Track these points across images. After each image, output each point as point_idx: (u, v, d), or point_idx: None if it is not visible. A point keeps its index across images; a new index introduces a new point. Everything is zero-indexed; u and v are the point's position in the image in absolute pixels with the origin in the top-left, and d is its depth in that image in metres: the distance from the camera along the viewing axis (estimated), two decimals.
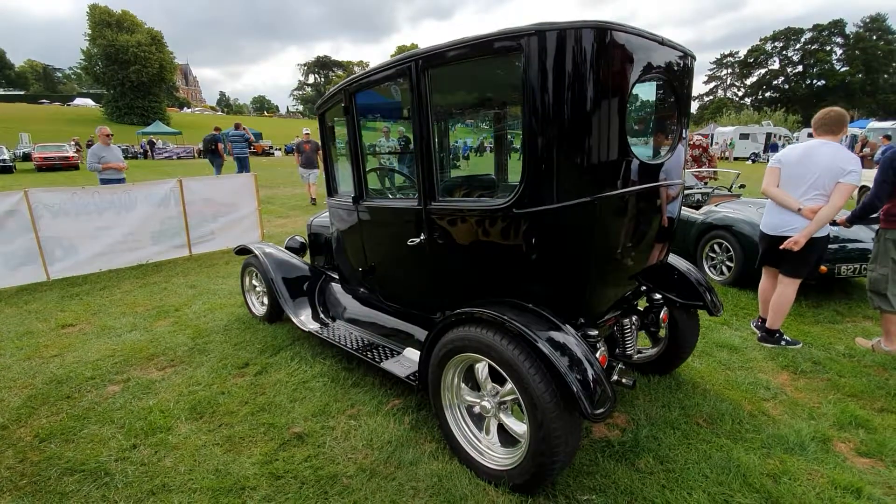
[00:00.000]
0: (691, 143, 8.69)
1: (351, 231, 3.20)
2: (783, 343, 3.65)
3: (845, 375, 3.20)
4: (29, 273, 5.35)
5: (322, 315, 3.74)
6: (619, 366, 2.68)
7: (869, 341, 3.63)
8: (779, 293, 3.61)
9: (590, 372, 1.91)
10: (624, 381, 2.65)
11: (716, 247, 5.33)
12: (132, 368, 3.41)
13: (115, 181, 7.29)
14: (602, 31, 1.83)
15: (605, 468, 2.29)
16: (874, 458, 2.40)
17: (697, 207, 5.97)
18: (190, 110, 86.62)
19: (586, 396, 1.82)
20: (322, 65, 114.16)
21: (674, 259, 3.07)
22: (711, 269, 5.39)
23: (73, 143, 28.41)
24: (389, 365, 2.82)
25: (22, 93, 74.60)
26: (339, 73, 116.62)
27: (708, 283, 3.00)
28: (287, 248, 4.37)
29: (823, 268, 4.34)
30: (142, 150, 33.82)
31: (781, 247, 3.42)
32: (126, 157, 31.77)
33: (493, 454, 2.26)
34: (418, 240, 2.50)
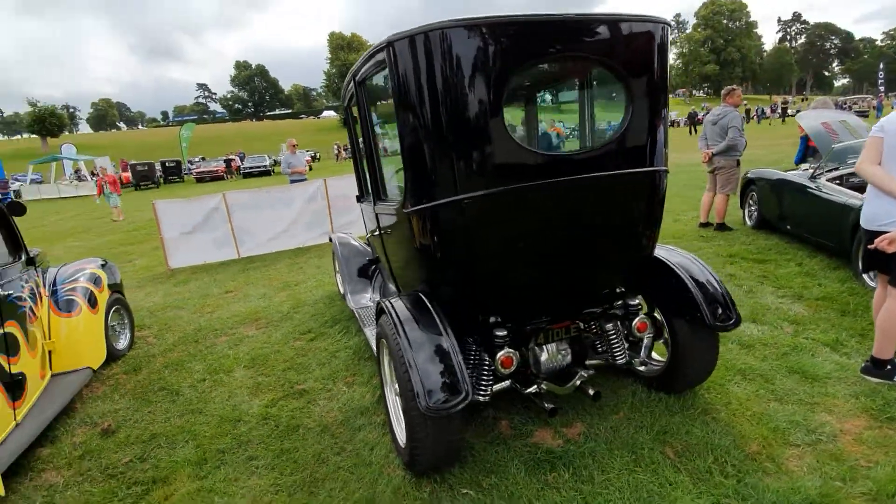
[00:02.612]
0: None
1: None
2: None
3: None
4: (227, 252, 7.41)
5: (373, 296, 4.31)
6: (581, 373, 2.52)
7: None
8: (886, 309, 2.64)
9: (444, 370, 1.95)
10: (590, 391, 2.48)
11: None
12: (242, 326, 4.59)
13: (300, 181, 9.29)
14: (434, 32, 1.82)
15: (510, 471, 2.23)
16: None
17: (862, 189, 4.45)
18: None
19: (424, 392, 1.89)
20: None
21: (678, 258, 2.61)
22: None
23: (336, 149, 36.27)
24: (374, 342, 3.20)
25: (289, 111, 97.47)
26: None
27: (723, 291, 2.46)
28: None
29: None
30: None
31: (870, 246, 2.50)
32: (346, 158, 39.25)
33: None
34: (373, 234, 2.80)
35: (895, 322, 2.60)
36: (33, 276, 3.26)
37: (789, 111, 35.66)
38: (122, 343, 4.16)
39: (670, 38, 2.21)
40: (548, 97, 3.21)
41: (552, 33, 1.95)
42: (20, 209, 3.18)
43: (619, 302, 2.55)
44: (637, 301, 2.51)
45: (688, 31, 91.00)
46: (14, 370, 2.61)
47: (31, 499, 2.36)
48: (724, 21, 78.23)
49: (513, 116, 3.78)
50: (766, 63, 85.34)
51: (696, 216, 6.97)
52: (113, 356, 3.91)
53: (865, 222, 2.65)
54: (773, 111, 42.44)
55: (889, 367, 2.69)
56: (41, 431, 2.69)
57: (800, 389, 2.72)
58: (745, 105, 46.82)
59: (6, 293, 2.65)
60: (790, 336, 3.34)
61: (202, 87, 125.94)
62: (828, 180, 4.92)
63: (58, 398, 2.99)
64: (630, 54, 2.09)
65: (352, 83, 2.62)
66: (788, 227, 5.48)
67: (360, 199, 3.37)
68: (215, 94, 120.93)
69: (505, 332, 2.22)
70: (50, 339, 3.32)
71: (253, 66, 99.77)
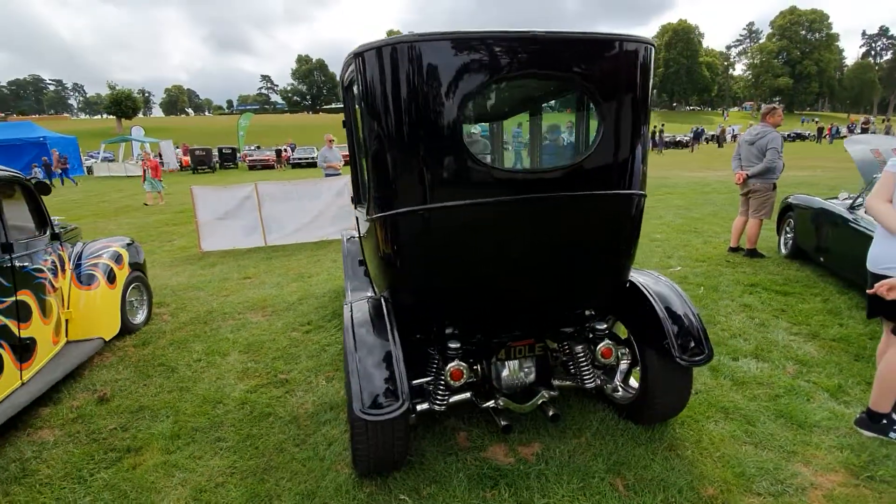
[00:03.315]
0: None
1: None
2: (893, 435, 2.45)
3: None
4: (255, 239, 7.75)
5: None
6: (543, 392, 2.50)
7: None
8: (887, 360, 2.44)
9: (384, 376, 1.99)
10: (550, 412, 2.46)
11: None
12: (249, 312, 4.81)
13: (334, 175, 9.59)
14: (402, 45, 1.86)
15: (452, 483, 2.24)
16: None
17: None
18: None
19: (360, 396, 1.94)
20: None
21: (656, 285, 2.52)
22: None
23: None
24: None
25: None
26: None
27: (698, 325, 2.36)
28: None
29: None
30: None
31: (869, 291, 2.31)
32: None
33: None
34: (354, 235, 2.87)
35: (892, 375, 2.40)
36: (57, 250, 3.58)
37: (871, 133, 33.01)
38: (139, 318, 4.47)
39: (653, 58, 2.14)
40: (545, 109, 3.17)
41: (521, 51, 1.94)
42: (46, 189, 3.49)
43: (589, 325, 2.50)
44: (604, 325, 2.44)
45: (761, 41, 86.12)
46: (24, 335, 2.88)
47: (22, 452, 2.60)
48: (802, 32, 73.42)
49: (519, 128, 3.76)
50: (845, 79, 79.30)
51: (728, 239, 6.62)
52: (128, 329, 4.21)
53: (870, 264, 2.46)
54: (850, 131, 39.47)
55: (885, 421, 2.48)
56: (43, 392, 2.95)
57: (782, 435, 2.55)
58: (818, 123, 43.76)
59: (22, 265, 2.93)
60: (790, 377, 3.14)
61: (265, 78, 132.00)
62: (866, 212, 4.55)
63: (66, 364, 3.26)
64: (607, 74, 2.05)
65: (343, 89, 2.71)
66: (822, 259, 5.12)
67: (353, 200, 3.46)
68: (277, 85, 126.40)
69: (458, 345, 2.23)
70: (68, 308, 3.63)
71: (313, 60, 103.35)
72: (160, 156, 30.56)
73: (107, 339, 3.80)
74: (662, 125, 39.23)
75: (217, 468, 2.44)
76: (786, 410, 2.76)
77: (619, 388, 2.76)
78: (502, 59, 1.93)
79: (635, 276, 2.60)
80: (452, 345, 2.23)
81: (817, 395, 2.93)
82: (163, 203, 13.78)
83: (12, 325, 2.77)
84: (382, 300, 2.35)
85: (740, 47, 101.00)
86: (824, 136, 37.25)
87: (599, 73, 2.03)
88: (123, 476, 2.40)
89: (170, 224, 10.55)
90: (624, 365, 2.79)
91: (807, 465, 2.33)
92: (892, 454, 2.35)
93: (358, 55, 1.99)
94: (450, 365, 2.20)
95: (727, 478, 2.25)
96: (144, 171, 13.93)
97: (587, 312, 2.47)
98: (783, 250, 6.09)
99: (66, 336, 3.59)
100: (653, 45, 2.11)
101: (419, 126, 1.93)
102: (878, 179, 2.45)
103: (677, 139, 37.27)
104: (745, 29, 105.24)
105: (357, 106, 2.09)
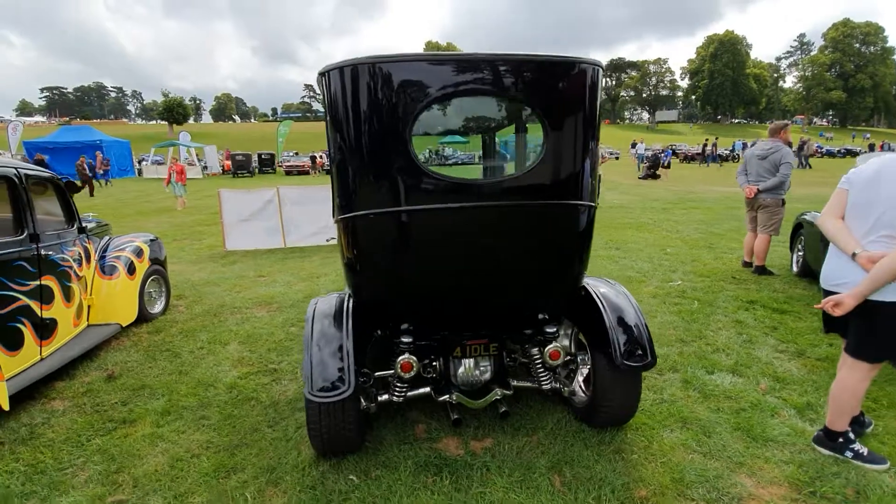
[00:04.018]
0: None
1: None
2: (848, 454, 2.44)
3: None
4: (275, 240, 8.18)
5: None
6: (497, 390, 2.64)
7: None
8: (839, 378, 2.45)
9: (334, 365, 2.19)
10: (501, 409, 2.61)
11: None
12: (256, 307, 5.13)
13: None
14: (363, 66, 2.07)
15: (399, 468, 2.40)
16: None
17: None
18: None
19: (310, 380, 2.14)
20: (615, 67, 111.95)
21: (606, 291, 2.62)
22: None
23: None
24: None
25: None
26: (633, 74, 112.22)
27: (645, 333, 2.45)
28: None
29: None
30: None
31: (816, 306, 2.34)
32: None
33: None
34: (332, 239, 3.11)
35: (848, 393, 2.40)
36: (83, 242, 3.99)
37: None
38: (157, 308, 4.86)
39: (601, 78, 2.27)
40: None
41: (469, 72, 2.13)
42: (75, 188, 3.92)
43: (542, 328, 2.62)
44: (554, 329, 2.56)
45: (812, 54, 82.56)
46: (46, 315, 3.25)
47: (33, 417, 2.94)
48: (856, 45, 69.89)
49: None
50: None
51: (741, 255, 6.51)
52: (145, 318, 4.59)
53: (822, 280, 2.47)
54: None
55: (841, 439, 2.47)
56: (59, 368, 3.31)
57: (734, 447, 2.58)
58: (869, 139, 41.53)
59: (47, 253, 3.32)
60: (760, 393, 3.13)
61: (308, 87, 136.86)
62: None
63: (84, 344, 3.64)
64: (555, 94, 2.20)
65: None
66: None
67: None
68: (319, 94, 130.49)
69: (410, 339, 2.40)
70: (90, 295, 4.03)
71: None
72: (205, 159, 32.25)
73: (123, 325, 4.18)
74: (717, 138, 38.45)
75: (196, 442, 2.69)
76: (745, 424, 2.77)
77: (578, 391, 2.85)
78: (452, 79, 2.12)
79: (594, 284, 2.70)
80: (405, 339, 2.41)
81: (783, 411, 2.92)
82: (181, 208, 13.76)
83: (35, 305, 3.15)
84: (346, 297, 2.56)
85: (791, 59, 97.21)
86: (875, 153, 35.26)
87: (547, 93, 2.18)
88: (115, 443, 2.69)
89: (202, 224, 11.19)
90: (585, 369, 2.88)
91: (751, 477, 2.36)
92: (842, 472, 2.35)
93: (323, 74, 2.23)
94: (400, 358, 2.38)
95: (664, 482, 2.31)
96: (170, 174, 14.21)
97: (540, 316, 2.59)
98: (795, 268, 5.94)
99: (88, 320, 3.99)
100: (600, 66, 2.25)
101: (375, 137, 2.14)
102: (831, 197, 2.46)
103: (717, 152, 36.46)
104: (795, 40, 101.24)
105: (325, 119, 2.32)
